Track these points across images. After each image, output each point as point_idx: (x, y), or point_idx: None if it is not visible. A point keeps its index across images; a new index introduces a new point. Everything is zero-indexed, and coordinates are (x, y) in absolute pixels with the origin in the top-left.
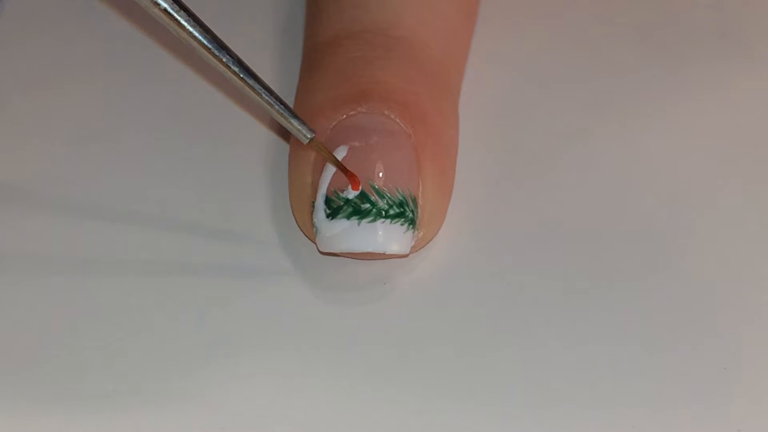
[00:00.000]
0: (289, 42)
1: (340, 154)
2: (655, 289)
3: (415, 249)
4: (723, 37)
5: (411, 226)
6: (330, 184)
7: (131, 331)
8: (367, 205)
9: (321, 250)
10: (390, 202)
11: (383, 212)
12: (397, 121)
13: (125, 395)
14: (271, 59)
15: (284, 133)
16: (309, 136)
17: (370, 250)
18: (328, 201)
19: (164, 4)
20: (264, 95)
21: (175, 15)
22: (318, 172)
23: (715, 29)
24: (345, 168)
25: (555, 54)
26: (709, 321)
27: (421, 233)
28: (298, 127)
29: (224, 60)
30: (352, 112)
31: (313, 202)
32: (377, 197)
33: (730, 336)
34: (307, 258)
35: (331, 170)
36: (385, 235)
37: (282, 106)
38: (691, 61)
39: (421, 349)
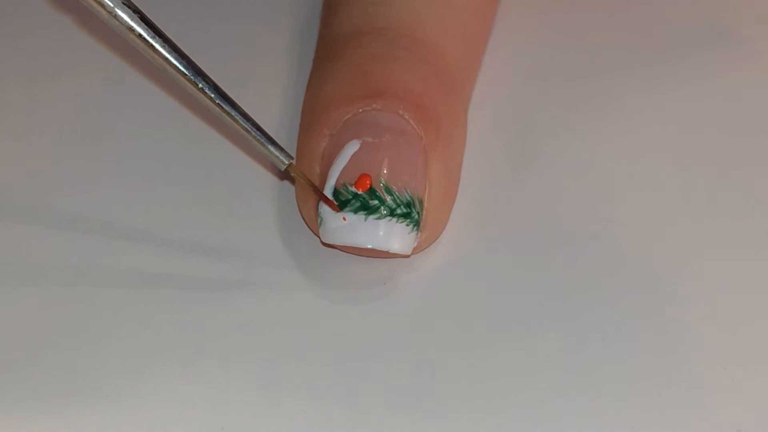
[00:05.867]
0: (302, 31)
1: (352, 148)
2: (656, 288)
3: (416, 250)
4: (725, 38)
5: (416, 227)
6: (339, 176)
7: (131, 331)
8: (375, 202)
9: (324, 241)
10: (398, 201)
11: (391, 210)
12: (411, 122)
13: (125, 395)
14: (284, 48)
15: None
16: (286, 162)
17: (373, 246)
18: (336, 193)
19: (139, 30)
20: (241, 121)
21: (150, 40)
22: (327, 163)
23: (718, 30)
24: (325, 196)
25: (559, 55)
26: (709, 321)
27: (424, 235)
28: (276, 153)
29: (200, 86)
30: (366, 108)
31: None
32: (386, 195)
33: (731, 336)
34: (309, 257)
35: (341, 162)
36: (389, 234)
37: (259, 132)
38: (695, 61)
39: (422, 349)
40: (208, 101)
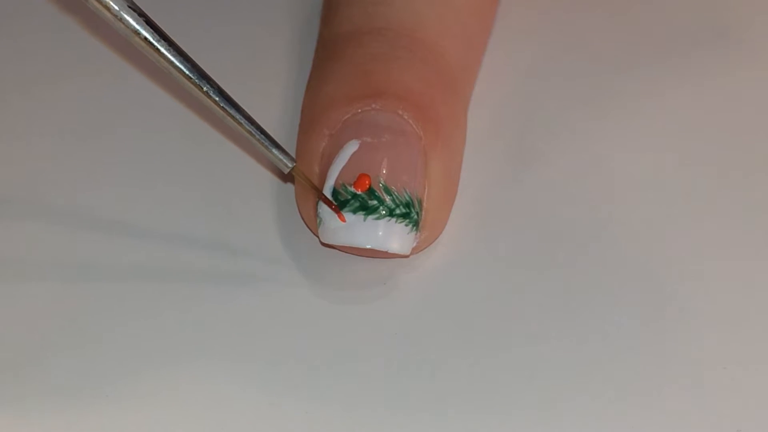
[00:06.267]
0: (302, 31)
1: (351, 148)
2: (655, 287)
3: (416, 250)
4: (725, 38)
5: (415, 227)
6: (338, 176)
7: (131, 332)
8: (374, 202)
9: (323, 241)
10: (397, 201)
11: (390, 210)
12: (410, 122)
13: (125, 396)
14: (284, 48)
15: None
16: (290, 165)
17: (371, 246)
18: (335, 193)
19: (145, 33)
20: (245, 125)
21: (156, 44)
22: (326, 162)
23: (718, 30)
24: (328, 199)
25: (559, 55)
26: (709, 321)
27: (424, 235)
28: (279, 156)
29: (205, 89)
30: (366, 108)
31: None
32: (385, 195)
33: (731, 336)
34: (308, 257)
35: (341, 162)
36: (388, 234)
37: (263, 136)
38: (695, 61)
39: (422, 349)
40: (212, 104)
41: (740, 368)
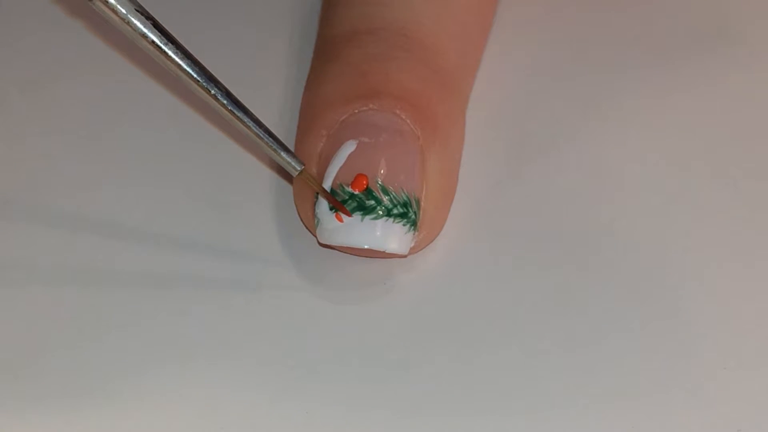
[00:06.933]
0: (302, 31)
1: (349, 148)
2: (655, 288)
3: (414, 250)
4: (725, 38)
5: (412, 227)
6: (336, 177)
7: (130, 332)
8: (372, 202)
9: (320, 241)
10: (395, 201)
11: (387, 210)
12: (408, 121)
13: (124, 396)
14: (283, 48)
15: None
16: (298, 169)
17: (369, 246)
18: (333, 193)
19: (152, 36)
20: (253, 127)
21: (164, 47)
22: (324, 163)
23: (718, 30)
24: (335, 200)
25: (559, 54)
26: (709, 321)
27: (422, 235)
28: (288, 159)
29: (213, 92)
30: (363, 108)
31: (317, 193)
32: (382, 195)
33: (731, 336)
34: (308, 257)
35: (338, 162)
36: (386, 233)
37: (271, 139)
38: (695, 61)
39: (421, 349)
40: (220, 107)
41: (740, 368)
